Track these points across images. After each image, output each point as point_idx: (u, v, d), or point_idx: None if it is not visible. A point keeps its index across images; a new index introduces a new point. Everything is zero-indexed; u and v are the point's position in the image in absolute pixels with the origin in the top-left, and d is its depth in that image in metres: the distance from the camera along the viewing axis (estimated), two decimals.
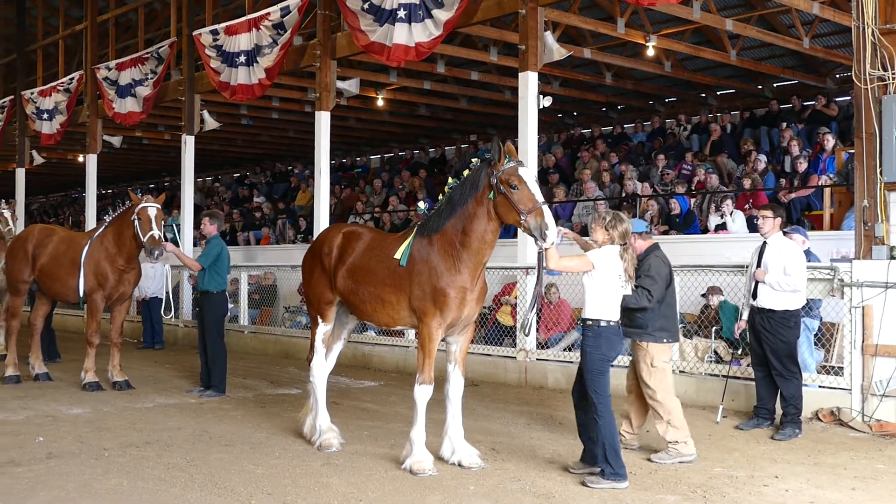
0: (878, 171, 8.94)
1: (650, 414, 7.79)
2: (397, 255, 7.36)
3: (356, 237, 7.97)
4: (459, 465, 7.25)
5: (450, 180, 7.42)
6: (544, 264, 6.85)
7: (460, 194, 7.11)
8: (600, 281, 6.84)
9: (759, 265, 8.77)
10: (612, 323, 6.86)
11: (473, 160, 7.34)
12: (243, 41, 16.51)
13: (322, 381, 8.15)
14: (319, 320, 8.13)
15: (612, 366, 7.11)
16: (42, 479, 6.77)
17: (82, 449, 7.86)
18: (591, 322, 6.87)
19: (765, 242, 8.86)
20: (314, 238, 8.74)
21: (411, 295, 7.24)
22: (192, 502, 6.25)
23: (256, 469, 7.19)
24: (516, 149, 7.51)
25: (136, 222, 10.83)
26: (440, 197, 7.43)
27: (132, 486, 6.62)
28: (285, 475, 7.01)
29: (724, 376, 9.83)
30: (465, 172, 7.25)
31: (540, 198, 6.73)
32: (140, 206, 10.90)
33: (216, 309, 11.24)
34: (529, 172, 6.97)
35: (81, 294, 11.26)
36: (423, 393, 7.25)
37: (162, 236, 10.89)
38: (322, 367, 8.15)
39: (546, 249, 6.74)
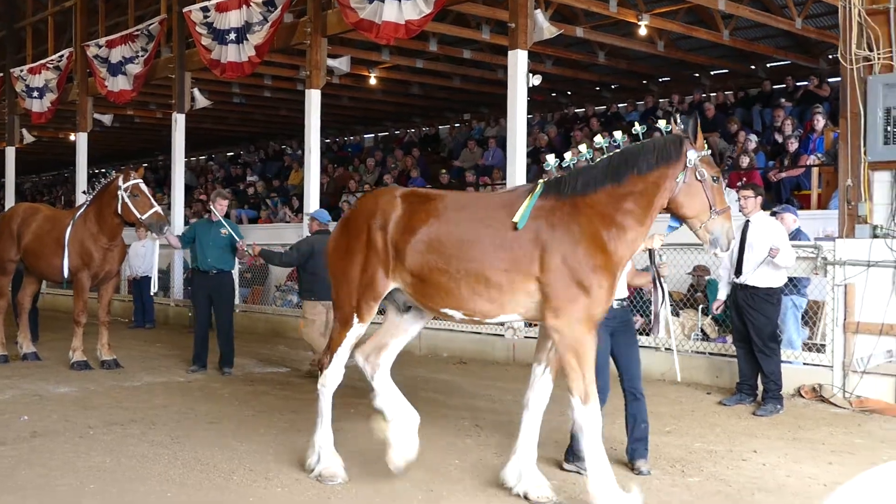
0: (862, 150, 8.96)
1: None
2: (516, 218, 5.56)
3: (426, 198, 6.07)
4: (525, 497, 5.80)
5: (599, 138, 5.91)
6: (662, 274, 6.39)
7: (641, 158, 5.57)
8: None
9: (742, 243, 8.80)
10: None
11: (661, 122, 5.89)
12: (233, 18, 16.45)
13: (331, 395, 6.39)
14: (355, 319, 6.13)
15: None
16: (25, 458, 6.81)
17: (67, 427, 7.90)
18: (625, 301, 6.58)
19: (748, 221, 8.90)
20: (348, 211, 6.77)
21: (542, 275, 5.47)
22: (173, 479, 6.29)
23: (240, 446, 7.23)
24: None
25: (130, 199, 10.70)
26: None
27: (115, 464, 6.65)
28: (268, 452, 7.04)
29: (710, 353, 9.91)
30: (639, 132, 5.82)
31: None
32: (131, 182, 10.77)
33: (233, 287, 11.49)
34: None
35: (66, 274, 11.22)
36: (593, 416, 5.41)
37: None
38: (337, 378, 6.36)
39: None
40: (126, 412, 8.58)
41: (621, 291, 6.32)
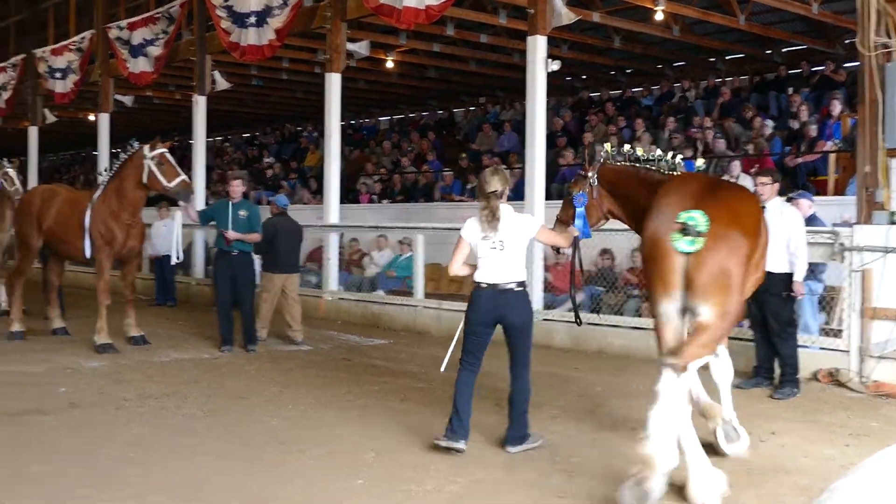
0: (881, 137, 9.08)
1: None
2: None
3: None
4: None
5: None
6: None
7: None
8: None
9: None
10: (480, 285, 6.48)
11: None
12: (253, 1, 16.56)
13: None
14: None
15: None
16: (67, 427, 7.06)
17: (103, 399, 8.15)
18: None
19: (763, 207, 9.03)
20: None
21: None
22: (210, 450, 6.51)
23: (271, 420, 7.46)
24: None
25: (158, 168, 10.57)
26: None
27: (153, 435, 6.89)
28: (299, 426, 7.28)
29: None
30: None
31: None
32: (157, 151, 10.64)
33: (254, 267, 11.74)
34: None
35: (89, 255, 11.18)
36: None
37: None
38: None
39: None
40: (158, 386, 8.82)
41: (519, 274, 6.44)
